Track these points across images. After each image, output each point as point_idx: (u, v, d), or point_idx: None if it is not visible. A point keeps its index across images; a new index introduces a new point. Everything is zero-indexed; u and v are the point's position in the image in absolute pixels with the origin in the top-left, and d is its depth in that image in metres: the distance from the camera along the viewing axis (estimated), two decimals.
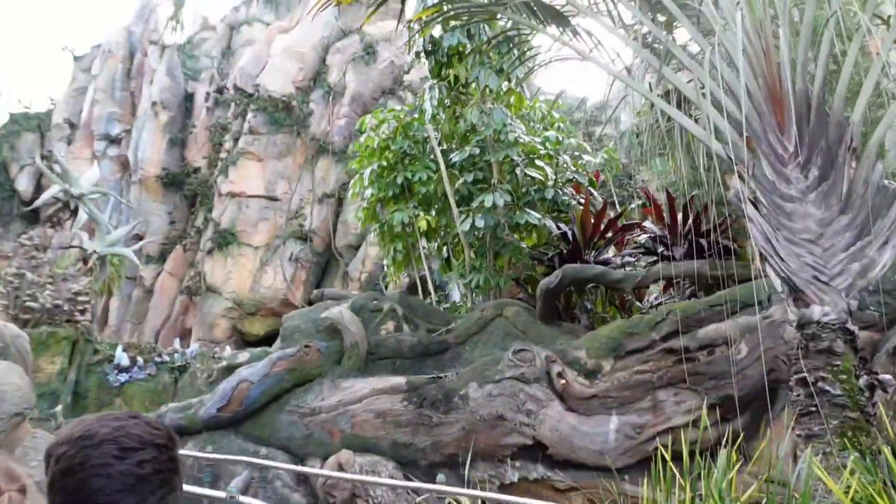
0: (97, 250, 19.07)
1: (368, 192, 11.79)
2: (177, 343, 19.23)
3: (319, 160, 27.85)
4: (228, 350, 19.60)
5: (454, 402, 7.21)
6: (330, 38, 29.74)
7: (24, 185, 33.88)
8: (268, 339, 26.59)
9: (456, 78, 11.63)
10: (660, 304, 12.68)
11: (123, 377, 17.84)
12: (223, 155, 28.70)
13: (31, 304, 17.69)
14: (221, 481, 7.35)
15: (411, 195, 11.84)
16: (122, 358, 18.00)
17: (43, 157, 33.87)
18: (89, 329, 18.83)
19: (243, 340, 25.99)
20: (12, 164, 34.39)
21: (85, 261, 19.16)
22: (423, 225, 11.45)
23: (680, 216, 9.58)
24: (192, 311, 26.80)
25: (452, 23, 11.04)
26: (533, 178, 11.32)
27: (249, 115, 27.28)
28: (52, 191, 19.00)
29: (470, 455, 6.85)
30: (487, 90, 11.63)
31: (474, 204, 10.50)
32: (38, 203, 19.84)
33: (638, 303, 10.98)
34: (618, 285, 8.84)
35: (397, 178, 11.50)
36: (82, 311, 18.74)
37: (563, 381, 7.29)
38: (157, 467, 1.28)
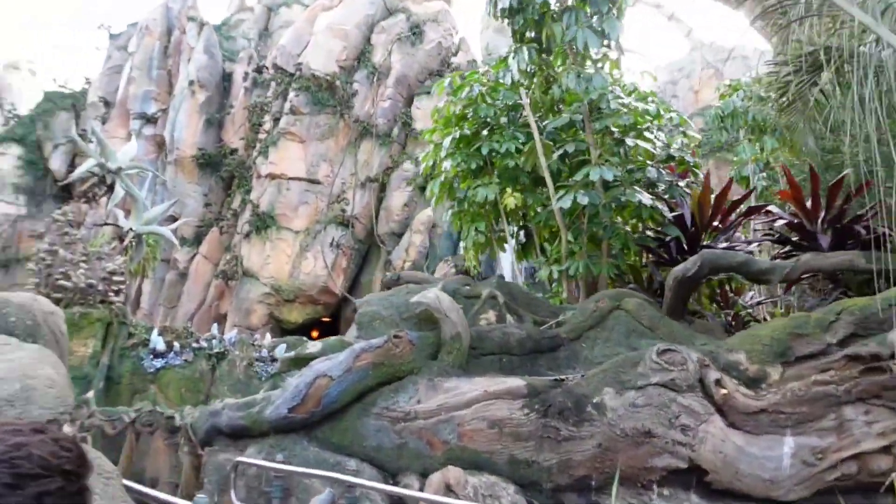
0: (133, 228, 17.94)
1: (447, 164, 10.41)
2: (214, 328, 18.04)
3: (362, 143, 26.57)
4: (269, 338, 18.39)
5: (587, 412, 5.83)
6: (375, 17, 28.41)
7: (57, 164, 33.07)
8: (305, 328, 25.39)
9: (544, 40, 10.20)
10: (759, 303, 11.22)
11: (159, 363, 16.72)
12: (262, 136, 27.52)
13: (64, 282, 16.55)
14: (293, 497, 6.05)
15: (493, 169, 10.47)
16: (158, 342, 16.85)
17: (80, 137, 33.04)
18: (124, 311, 17.71)
19: (280, 328, 24.84)
20: (46, 143, 33.57)
21: (121, 239, 18.02)
22: (509, 202, 10.08)
23: (824, 200, 8.09)
24: (227, 296, 25.67)
25: None
26: (645, 150, 9.87)
27: (291, 95, 26.05)
28: (88, 164, 17.87)
29: (614, 478, 5.47)
30: (581, 54, 10.22)
31: (576, 177, 9.07)
32: (73, 177, 18.74)
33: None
34: (763, 276, 7.41)
35: (482, 149, 10.11)
36: (117, 292, 17.62)
37: (724, 391, 5.88)
38: (61, 502, 1.06)
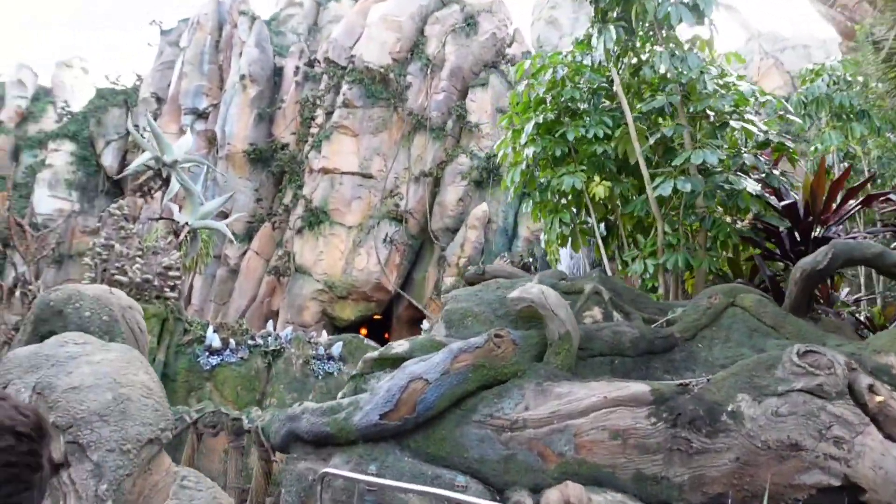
0: (189, 223, 17.60)
1: (529, 151, 9.67)
2: (270, 325, 17.62)
3: (416, 137, 26.01)
4: (325, 335, 17.92)
5: (722, 422, 5.07)
6: (428, 7, 27.82)
7: (109, 160, 33.26)
8: (356, 325, 24.91)
9: (633, 18, 9.40)
10: (857, 300, 10.28)
11: (215, 360, 16.35)
12: (314, 130, 27.16)
13: (120, 277, 16.21)
14: None
15: (577, 156, 9.73)
16: (214, 339, 16.48)
17: (129, 132, 33.16)
18: (179, 307, 17.39)
19: (333, 325, 24.41)
20: (98, 140, 33.80)
21: (176, 234, 17.71)
22: (598, 192, 9.30)
23: None
24: (279, 292, 25.36)
25: None
26: (745, 134, 9.03)
27: (344, 88, 25.61)
28: (144, 158, 17.60)
29: (754, 496, 4.72)
30: (669, 34, 9.42)
31: (676, 162, 8.28)
32: (128, 171, 18.53)
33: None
34: None
35: (567, 135, 9.37)
36: (172, 288, 17.28)
37: (879, 398, 5.07)
38: (9, 458, 1.18)
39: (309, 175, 25.78)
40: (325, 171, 25.03)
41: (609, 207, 10.48)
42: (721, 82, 9.16)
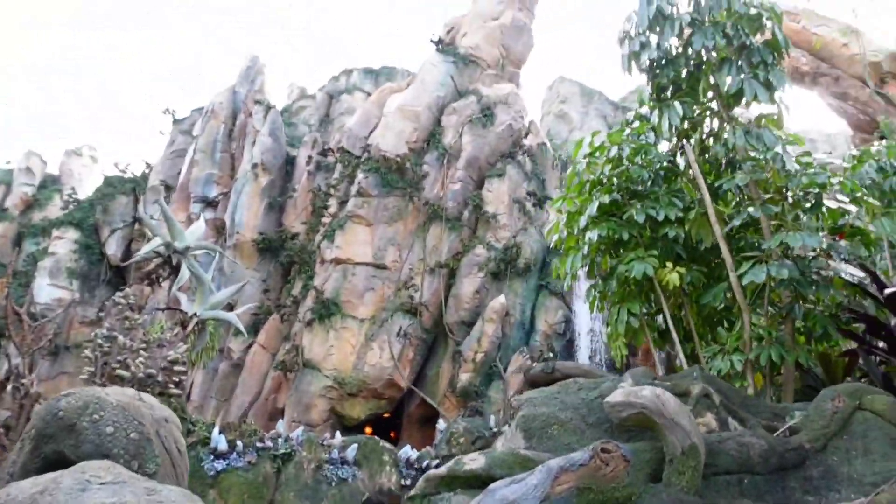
0: (198, 313, 16.50)
1: (592, 235, 8.75)
2: (280, 426, 16.24)
3: (431, 227, 25.27)
4: (339, 436, 16.52)
5: None
6: (445, 99, 27.69)
7: (113, 248, 32.48)
8: (364, 424, 23.37)
9: (701, 94, 8.70)
10: None
11: (220, 464, 14.90)
12: (326, 220, 26.46)
13: (122, 371, 14.94)
14: None
15: (643, 240, 8.82)
16: (220, 441, 15.08)
17: (136, 219, 32.51)
18: (182, 405, 16.07)
19: (341, 424, 22.85)
20: (104, 228, 33.12)
21: (183, 325, 16.59)
22: (672, 279, 8.33)
23: None
24: (284, 388, 23.94)
25: None
26: (833, 215, 8.14)
27: (360, 177, 25.06)
28: (154, 244, 16.70)
29: None
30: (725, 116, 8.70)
31: (771, 245, 7.34)
32: (137, 257, 17.60)
33: None
34: None
35: (636, 216, 8.49)
36: (177, 384, 15.98)
37: None
38: None
39: (320, 265, 24.86)
40: (337, 261, 24.13)
41: (677, 298, 9.46)
42: (803, 161, 8.37)
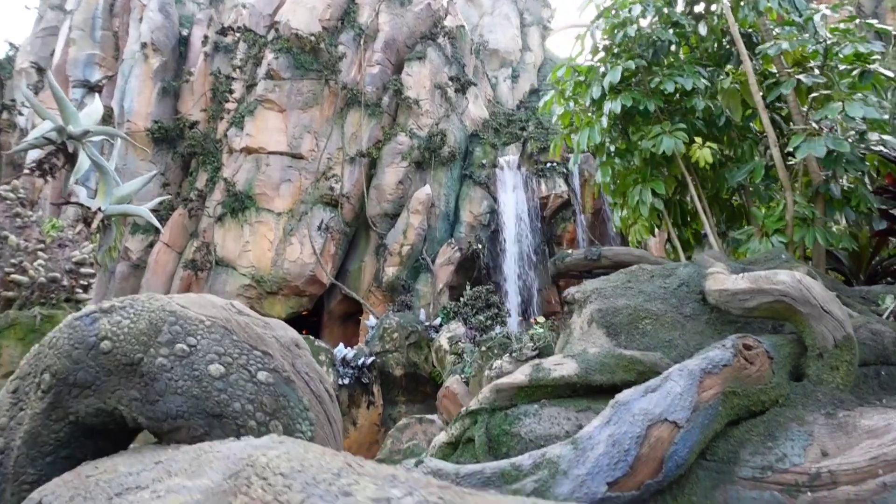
0: (103, 208, 14.47)
1: (611, 105, 7.66)
2: None
3: (350, 113, 23.51)
4: None
5: None
6: None
7: None
8: (291, 324, 22.25)
9: None
10: None
11: None
12: (230, 106, 24.10)
13: (18, 276, 12.95)
14: None
15: (671, 114, 7.86)
16: None
17: (4, 107, 28.68)
18: None
19: None
20: None
21: (86, 222, 14.55)
22: (704, 156, 7.44)
23: None
24: (195, 289, 22.19)
25: None
26: (880, 82, 7.41)
27: (269, 57, 22.73)
28: (43, 128, 14.22)
29: None
30: None
31: (828, 115, 6.54)
32: (22, 145, 15.03)
33: None
34: None
35: (665, 85, 7.45)
36: (85, 288, 14.13)
37: None
38: None
39: (229, 156, 22.75)
40: (248, 150, 22.11)
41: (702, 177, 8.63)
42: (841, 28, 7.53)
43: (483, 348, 13.10)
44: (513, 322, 19.83)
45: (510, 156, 26.46)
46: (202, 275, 21.77)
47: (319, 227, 21.85)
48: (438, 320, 18.92)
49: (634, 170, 8.38)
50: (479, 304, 17.50)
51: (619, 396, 3.79)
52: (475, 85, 27.33)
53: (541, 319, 18.04)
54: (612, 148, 8.40)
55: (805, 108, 7.35)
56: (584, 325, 5.16)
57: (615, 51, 8.10)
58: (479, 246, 22.82)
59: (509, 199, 24.77)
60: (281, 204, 21.80)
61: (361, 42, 24.14)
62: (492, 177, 25.43)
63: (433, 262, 22.29)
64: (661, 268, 5.51)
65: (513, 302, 22.94)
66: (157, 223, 16.03)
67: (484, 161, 25.47)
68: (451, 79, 25.77)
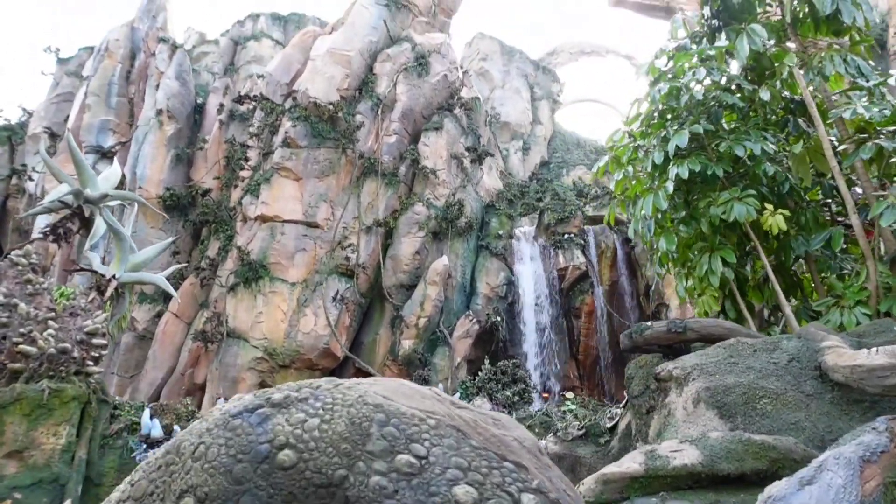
0: (117, 276, 13.87)
1: (678, 170, 7.17)
2: (221, 403, 14.00)
3: (366, 182, 23.16)
4: None
5: None
6: (378, 44, 25.40)
7: None
8: None
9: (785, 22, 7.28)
10: None
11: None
12: (245, 173, 23.77)
13: (27, 347, 12.35)
14: None
15: (734, 180, 7.35)
16: (154, 427, 12.77)
17: (14, 172, 28.36)
18: (104, 385, 13.60)
19: None
20: None
21: (100, 290, 13.89)
22: (778, 223, 6.90)
23: None
24: (204, 361, 21.40)
25: None
26: None
27: (287, 125, 22.51)
28: (60, 191, 13.84)
29: None
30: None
31: None
32: (37, 209, 14.53)
33: None
34: None
35: (733, 149, 6.95)
36: (96, 360, 13.49)
37: None
38: None
39: (243, 224, 22.27)
40: (263, 218, 21.63)
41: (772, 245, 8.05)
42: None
43: None
44: (534, 397, 19.01)
45: (526, 227, 26.05)
46: (212, 347, 20.97)
47: (335, 298, 21.18)
48: (457, 395, 18.02)
49: (694, 237, 7.82)
50: (506, 380, 16.70)
51: (773, 491, 3.11)
52: (492, 155, 27.18)
53: (570, 395, 17.19)
54: (675, 215, 7.87)
55: (875, 175, 6.88)
56: (687, 404, 4.47)
57: (680, 114, 7.64)
58: (498, 318, 22.11)
59: (527, 270, 24.23)
60: (295, 274, 21.19)
61: (379, 112, 24.01)
62: (508, 248, 24.96)
63: (451, 334, 21.55)
64: (762, 341, 4.91)
65: (533, 377, 22.08)
66: (173, 292, 15.38)
67: (500, 232, 25.04)
68: (467, 149, 25.59)
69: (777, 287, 7.46)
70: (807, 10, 7.51)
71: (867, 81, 7.17)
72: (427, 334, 21.52)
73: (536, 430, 11.34)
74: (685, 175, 7.11)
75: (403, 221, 22.95)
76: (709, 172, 7.14)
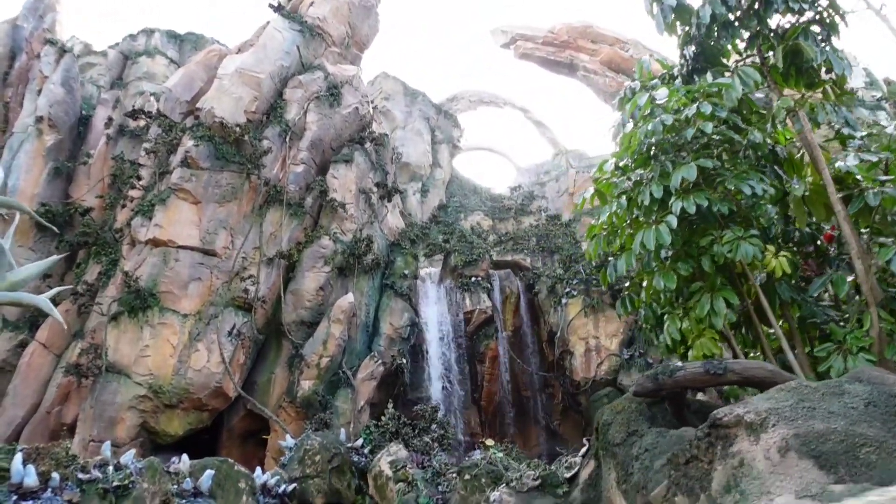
0: None
1: (683, 205, 6.77)
2: (106, 449, 12.33)
3: (270, 211, 21.87)
4: (185, 460, 12.88)
5: None
6: (290, 70, 24.40)
7: None
8: (184, 443, 19.28)
9: (780, 61, 7.23)
10: None
11: None
12: (135, 193, 21.84)
13: None
14: None
15: (733, 219, 7.05)
16: (27, 474, 10.98)
17: None
18: None
19: (153, 443, 18.68)
20: None
21: None
22: (782, 265, 6.63)
23: None
24: (75, 399, 19.08)
25: None
26: None
27: (189, 144, 20.93)
28: None
29: None
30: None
31: None
32: None
33: None
34: None
35: (738, 187, 6.65)
36: None
37: None
38: None
39: (131, 248, 20.31)
40: (155, 242, 19.82)
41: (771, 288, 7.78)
42: None
43: (467, 477, 11.44)
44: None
45: (431, 268, 25.52)
46: (86, 382, 18.75)
47: (230, 333, 19.60)
48: (360, 441, 16.95)
49: (691, 275, 7.48)
50: (423, 424, 15.80)
51: None
52: (400, 192, 26.58)
53: (490, 442, 16.50)
54: (665, 252, 7.52)
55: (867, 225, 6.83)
56: (771, 454, 3.93)
57: (681, 148, 7.36)
58: (403, 360, 21.24)
59: (432, 312, 23.61)
60: (188, 305, 19.46)
61: (287, 139, 22.91)
62: (413, 288, 24.28)
63: (354, 375, 20.42)
64: (823, 384, 4.51)
65: None
66: (58, 316, 13.51)
67: (405, 271, 24.34)
68: (376, 185, 24.88)
69: (779, 331, 7.21)
70: (789, 60, 7.48)
71: (854, 130, 7.19)
72: (329, 375, 20.29)
73: (483, 480, 10.55)
74: (691, 209, 6.78)
75: (308, 255, 21.78)
76: (715, 209, 6.86)
